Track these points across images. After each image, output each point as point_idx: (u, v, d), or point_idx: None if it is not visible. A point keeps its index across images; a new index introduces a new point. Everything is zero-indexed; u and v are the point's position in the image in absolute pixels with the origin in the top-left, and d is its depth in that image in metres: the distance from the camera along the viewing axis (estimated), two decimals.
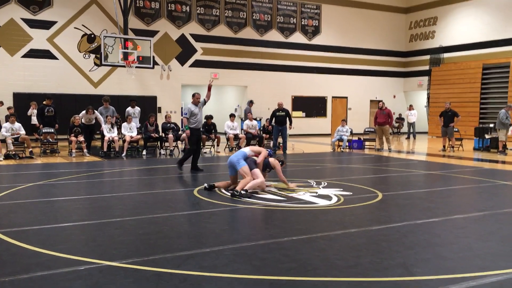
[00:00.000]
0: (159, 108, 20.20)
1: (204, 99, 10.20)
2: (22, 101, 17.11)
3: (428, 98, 24.29)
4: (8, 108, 15.08)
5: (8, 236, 4.84)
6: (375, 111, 16.26)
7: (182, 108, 22.66)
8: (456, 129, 16.03)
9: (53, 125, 13.75)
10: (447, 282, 3.67)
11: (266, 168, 7.93)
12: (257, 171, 7.52)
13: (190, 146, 10.22)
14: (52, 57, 18.32)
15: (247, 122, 15.87)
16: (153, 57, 17.66)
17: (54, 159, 12.42)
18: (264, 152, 7.92)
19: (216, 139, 14.63)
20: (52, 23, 18.29)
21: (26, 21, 17.82)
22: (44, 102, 14.12)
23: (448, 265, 4.13)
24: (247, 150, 7.81)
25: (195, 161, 10.23)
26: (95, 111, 13.71)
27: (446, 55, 23.79)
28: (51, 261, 4.08)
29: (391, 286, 3.59)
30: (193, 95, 10.15)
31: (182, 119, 10.18)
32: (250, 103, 17.01)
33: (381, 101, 16.81)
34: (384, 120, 15.50)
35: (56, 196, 7.26)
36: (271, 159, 7.96)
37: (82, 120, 13.58)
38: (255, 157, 7.77)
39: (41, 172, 10.09)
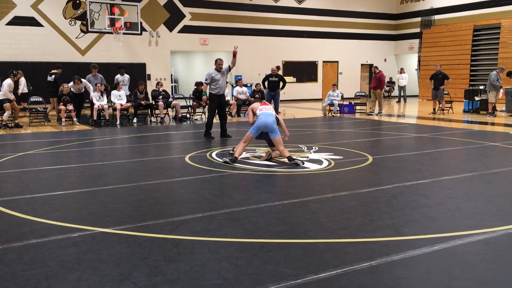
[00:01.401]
0: (149, 75, 19.97)
1: (229, 65, 10.14)
2: (8, 70, 16.79)
3: (419, 61, 24.20)
4: None
5: (0, 205, 4.85)
6: (367, 75, 16.28)
7: (172, 75, 22.45)
8: (446, 92, 16.07)
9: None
10: (435, 241, 3.75)
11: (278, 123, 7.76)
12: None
13: (210, 112, 10.31)
14: (37, 24, 17.91)
15: (237, 88, 15.80)
16: (141, 23, 17.36)
17: (43, 128, 12.33)
18: (282, 122, 7.80)
19: (206, 106, 14.54)
20: None
21: None
22: (56, 71, 13.88)
23: (436, 225, 4.22)
24: (274, 113, 7.59)
25: (222, 127, 10.24)
26: (82, 80, 13.52)
27: (437, 17, 23.57)
28: (44, 229, 4.11)
29: (380, 247, 3.67)
30: (216, 61, 10.11)
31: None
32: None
33: (373, 65, 16.78)
34: (375, 84, 15.60)
35: (47, 165, 7.24)
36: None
37: (71, 89, 13.41)
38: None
39: (31, 141, 10.03)
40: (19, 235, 3.95)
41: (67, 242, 3.79)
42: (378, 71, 15.77)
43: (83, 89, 13.71)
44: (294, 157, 7.11)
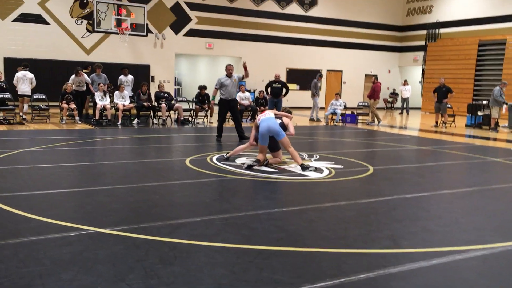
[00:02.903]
0: (152, 77, 19.99)
1: (243, 75, 10.33)
2: (12, 66, 16.83)
3: (423, 73, 24.21)
4: None
5: None
6: (371, 85, 16.39)
7: (175, 78, 22.48)
8: (449, 105, 16.06)
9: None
10: (433, 255, 3.72)
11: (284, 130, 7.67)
12: (280, 153, 7.59)
13: (219, 117, 10.48)
14: (44, 22, 17.97)
15: (239, 94, 15.78)
16: (147, 25, 17.41)
17: (45, 125, 12.33)
18: (291, 123, 7.77)
19: (209, 110, 14.56)
20: None
21: None
22: (86, 70, 14.10)
23: (435, 238, 4.19)
24: (273, 116, 7.56)
25: (238, 131, 10.34)
26: (84, 73, 13.65)
27: (442, 30, 23.60)
28: (41, 227, 4.09)
29: (377, 258, 3.64)
30: (226, 67, 10.21)
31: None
32: (319, 76, 16.62)
33: (377, 75, 16.89)
34: (369, 94, 15.78)
35: (46, 163, 7.23)
36: (285, 120, 7.79)
37: (73, 86, 13.44)
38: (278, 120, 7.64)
39: (32, 138, 10.02)
40: (15, 232, 3.93)
41: (63, 241, 3.77)
42: (376, 81, 15.89)
43: (85, 87, 13.78)
44: (306, 164, 7.09)
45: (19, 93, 13.16)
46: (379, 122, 15.73)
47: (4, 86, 13.42)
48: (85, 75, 13.69)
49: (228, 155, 7.80)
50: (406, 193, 5.91)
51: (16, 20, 17.47)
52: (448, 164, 8.48)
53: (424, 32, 24.32)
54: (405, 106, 22.15)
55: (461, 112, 18.43)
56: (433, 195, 5.87)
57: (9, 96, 13.07)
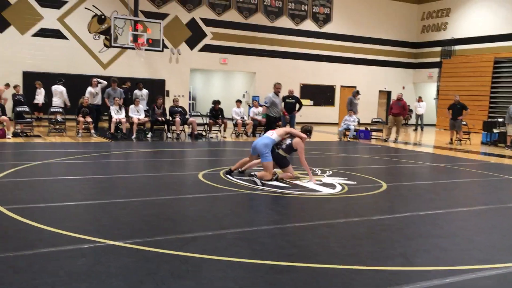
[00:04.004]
0: (167, 91, 20.20)
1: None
2: (31, 80, 17.16)
3: (438, 90, 24.09)
4: (15, 86, 15.04)
5: (13, 212, 4.90)
6: (384, 102, 16.28)
7: (190, 92, 22.69)
8: (464, 123, 15.92)
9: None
10: (447, 274, 3.68)
11: (291, 151, 7.64)
12: (290, 168, 7.52)
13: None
14: (62, 37, 18.34)
15: (253, 109, 15.86)
16: (163, 40, 17.63)
17: (61, 138, 12.50)
18: (300, 144, 7.54)
19: (223, 125, 14.65)
20: (63, 2, 18.27)
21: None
22: (125, 86, 14.54)
23: (449, 256, 4.14)
24: (274, 136, 7.50)
25: None
26: (98, 82, 13.86)
27: (457, 47, 23.53)
28: (55, 238, 4.14)
29: (390, 275, 3.61)
30: (274, 85, 10.24)
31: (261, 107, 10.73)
32: (356, 93, 16.60)
33: (390, 92, 16.77)
34: (399, 111, 15.59)
35: (62, 175, 7.32)
36: (296, 140, 7.61)
37: (89, 100, 13.65)
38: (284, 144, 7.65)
39: (48, 151, 10.16)
40: (30, 243, 3.98)
41: (77, 252, 3.81)
42: (402, 99, 15.78)
43: (101, 101, 13.98)
44: (259, 180, 6.98)
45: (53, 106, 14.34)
46: (397, 138, 15.61)
47: (22, 100, 13.67)
48: (103, 82, 14.01)
49: (233, 168, 7.78)
50: (420, 210, 5.87)
51: (35, 35, 17.86)
52: (463, 182, 8.39)
53: (438, 49, 24.28)
54: (419, 122, 22.03)
55: (477, 129, 18.25)
56: (447, 213, 5.81)
57: (27, 109, 13.31)
